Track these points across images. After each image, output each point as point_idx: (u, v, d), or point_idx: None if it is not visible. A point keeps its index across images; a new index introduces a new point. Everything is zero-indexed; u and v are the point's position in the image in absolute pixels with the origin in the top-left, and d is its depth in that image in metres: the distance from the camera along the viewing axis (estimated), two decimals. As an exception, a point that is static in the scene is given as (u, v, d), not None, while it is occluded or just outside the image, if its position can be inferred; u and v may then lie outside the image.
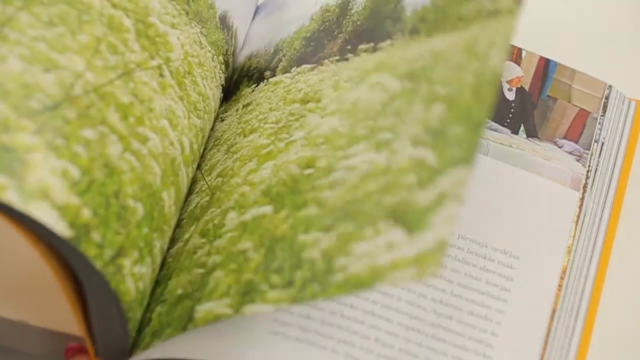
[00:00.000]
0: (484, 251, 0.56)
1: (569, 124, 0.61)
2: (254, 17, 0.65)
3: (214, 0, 0.59)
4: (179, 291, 0.50)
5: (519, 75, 0.62)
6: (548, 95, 0.61)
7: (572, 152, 0.60)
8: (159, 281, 0.52)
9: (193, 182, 0.56)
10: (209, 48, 0.58)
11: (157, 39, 0.53)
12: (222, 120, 0.59)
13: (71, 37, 0.49)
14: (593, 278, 0.57)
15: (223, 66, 0.60)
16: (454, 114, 0.46)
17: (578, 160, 0.60)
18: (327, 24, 0.59)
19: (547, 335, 0.54)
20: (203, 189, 0.55)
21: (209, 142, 0.58)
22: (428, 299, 0.54)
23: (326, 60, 0.57)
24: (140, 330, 0.50)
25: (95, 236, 0.46)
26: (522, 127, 0.60)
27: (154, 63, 0.52)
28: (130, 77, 0.51)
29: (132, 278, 0.48)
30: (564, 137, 0.60)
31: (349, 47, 0.57)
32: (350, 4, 0.59)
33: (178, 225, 0.54)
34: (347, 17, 0.58)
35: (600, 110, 0.62)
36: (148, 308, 0.51)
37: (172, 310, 0.50)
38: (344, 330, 0.52)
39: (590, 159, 0.60)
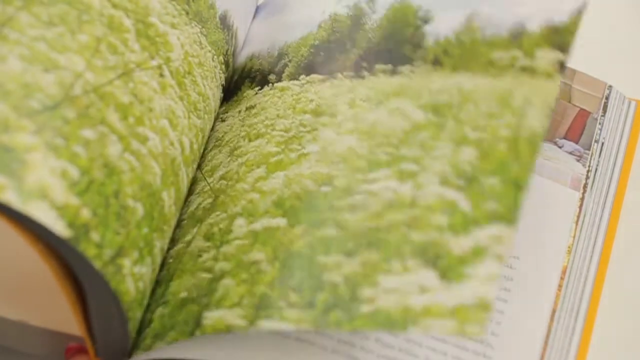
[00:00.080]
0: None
1: (569, 124, 0.61)
2: (254, 17, 0.65)
3: (214, 0, 0.59)
4: (183, 294, 0.50)
5: (519, 75, 0.62)
6: (548, 96, 0.61)
7: (572, 152, 0.60)
8: (160, 281, 0.52)
9: (193, 183, 0.56)
10: (209, 48, 0.58)
11: (157, 39, 0.53)
12: (223, 121, 0.59)
13: (71, 37, 0.49)
14: (593, 278, 0.57)
15: (223, 66, 0.60)
16: (488, 164, 0.45)
17: (578, 161, 0.60)
18: (337, 34, 0.59)
19: (547, 336, 0.54)
20: (205, 190, 0.55)
21: (210, 142, 0.58)
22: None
23: (339, 74, 0.56)
24: (140, 330, 0.50)
25: (95, 236, 0.46)
26: (522, 127, 0.60)
27: (154, 63, 0.52)
28: (130, 77, 0.51)
29: (132, 278, 0.48)
30: (564, 137, 0.60)
31: (364, 64, 0.56)
32: (364, 18, 0.58)
33: (178, 225, 0.54)
34: (361, 31, 0.58)
35: (601, 111, 0.62)
36: (148, 308, 0.51)
37: (176, 313, 0.50)
38: (343, 330, 0.52)
39: (591, 159, 0.60)
